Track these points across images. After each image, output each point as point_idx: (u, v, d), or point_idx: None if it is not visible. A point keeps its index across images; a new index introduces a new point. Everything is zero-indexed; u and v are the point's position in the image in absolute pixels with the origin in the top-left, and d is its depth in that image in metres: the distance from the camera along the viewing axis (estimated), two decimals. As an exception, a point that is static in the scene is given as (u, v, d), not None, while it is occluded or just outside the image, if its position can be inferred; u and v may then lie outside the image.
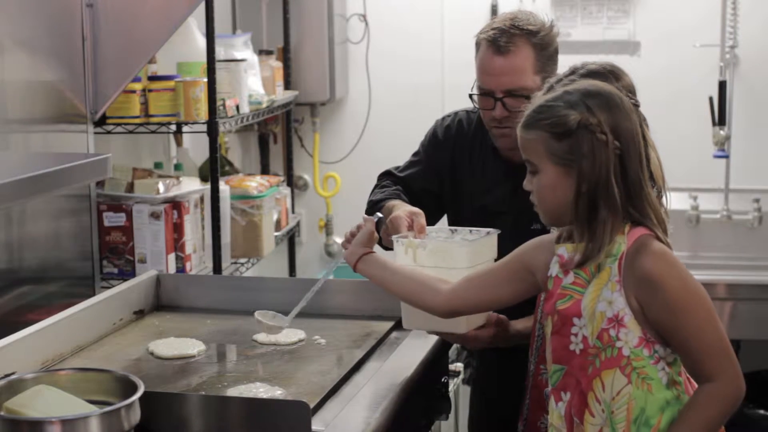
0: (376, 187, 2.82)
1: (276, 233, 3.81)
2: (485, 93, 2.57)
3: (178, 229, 3.14)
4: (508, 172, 2.63)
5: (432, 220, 2.63)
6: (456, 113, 2.81)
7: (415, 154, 2.84)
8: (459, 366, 2.96)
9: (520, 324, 2.46)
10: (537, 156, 2.02)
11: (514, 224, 2.54)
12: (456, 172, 2.72)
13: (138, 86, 3.12)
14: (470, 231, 2.38)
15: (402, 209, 2.47)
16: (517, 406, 2.50)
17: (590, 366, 2.04)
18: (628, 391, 2.01)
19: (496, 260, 2.31)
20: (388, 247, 2.54)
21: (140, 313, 2.73)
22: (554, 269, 2.06)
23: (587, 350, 2.04)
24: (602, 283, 2.00)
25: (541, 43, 2.54)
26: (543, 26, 2.56)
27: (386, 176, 2.84)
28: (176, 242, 3.14)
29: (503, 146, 2.61)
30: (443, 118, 2.82)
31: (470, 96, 2.63)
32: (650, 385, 1.99)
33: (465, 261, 2.26)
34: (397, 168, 2.84)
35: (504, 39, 2.51)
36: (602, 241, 1.97)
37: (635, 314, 1.98)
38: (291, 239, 4.42)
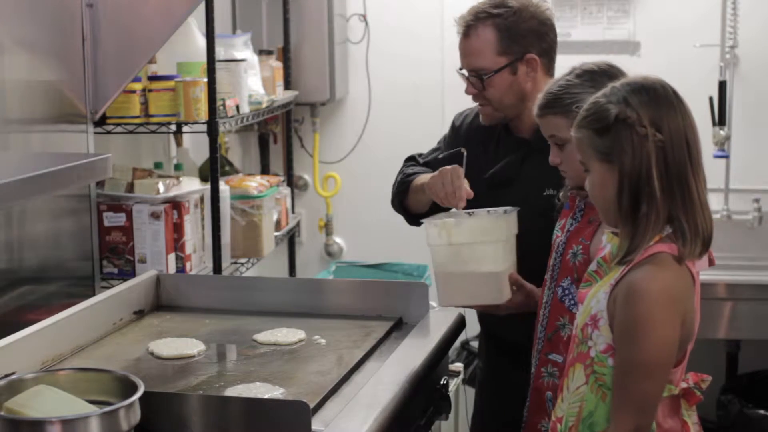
0: (404, 167, 2.92)
1: (276, 233, 3.81)
2: (461, 71, 2.74)
3: (178, 229, 3.14)
4: (518, 144, 2.72)
5: None
6: (473, 108, 2.89)
7: (437, 143, 2.96)
8: (459, 366, 2.96)
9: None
10: (586, 156, 2.02)
11: (524, 190, 2.63)
12: (470, 153, 2.75)
13: (138, 86, 3.11)
14: (488, 211, 2.50)
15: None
16: (520, 407, 2.51)
17: (572, 353, 2.05)
18: (583, 391, 2.00)
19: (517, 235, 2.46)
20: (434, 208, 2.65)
21: (140, 313, 2.73)
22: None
23: (575, 337, 2.05)
24: (607, 281, 2.00)
25: (506, 24, 2.64)
26: (509, 9, 2.65)
27: (411, 160, 2.95)
28: (176, 242, 3.14)
29: (484, 122, 2.77)
30: (461, 112, 2.93)
31: (457, 71, 2.77)
32: (605, 394, 1.97)
33: (503, 233, 2.37)
34: (420, 155, 2.95)
35: (465, 22, 2.68)
36: (643, 236, 1.94)
37: (610, 319, 1.96)
38: (291, 239, 4.42)
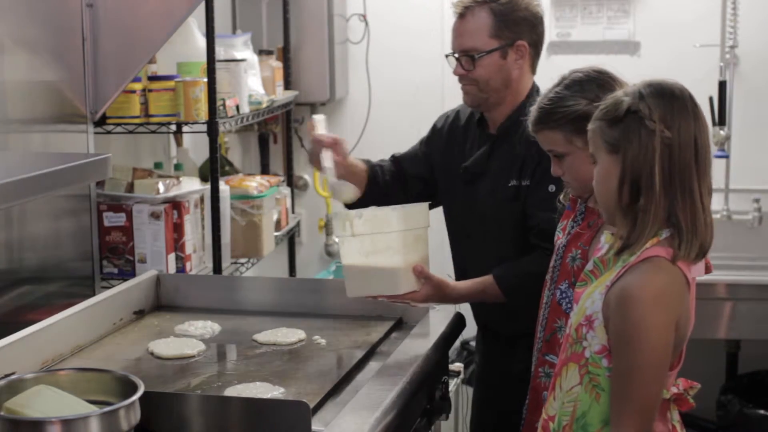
0: None
1: (276, 233, 3.81)
2: (452, 53, 2.83)
3: (178, 229, 3.14)
4: (486, 140, 2.83)
5: (413, 200, 2.80)
6: (456, 108, 3.00)
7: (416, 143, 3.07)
8: (459, 366, 2.96)
9: (462, 286, 2.65)
10: (596, 147, 2.03)
11: (492, 183, 2.76)
12: (447, 153, 2.92)
13: (138, 86, 3.11)
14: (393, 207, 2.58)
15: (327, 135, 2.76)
16: (513, 398, 2.54)
17: (565, 352, 2.06)
18: (577, 391, 2.00)
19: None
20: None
21: (140, 313, 2.74)
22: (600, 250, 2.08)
23: (569, 336, 2.05)
24: (602, 282, 2.00)
25: (501, 9, 2.76)
26: None
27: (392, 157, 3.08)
28: (176, 242, 3.14)
29: (466, 102, 2.86)
30: (444, 113, 3.03)
31: (446, 56, 2.87)
32: (599, 395, 1.97)
33: (399, 224, 2.45)
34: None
35: (462, 4, 2.80)
36: (641, 231, 1.94)
37: (605, 321, 1.96)
38: (291, 239, 4.41)
